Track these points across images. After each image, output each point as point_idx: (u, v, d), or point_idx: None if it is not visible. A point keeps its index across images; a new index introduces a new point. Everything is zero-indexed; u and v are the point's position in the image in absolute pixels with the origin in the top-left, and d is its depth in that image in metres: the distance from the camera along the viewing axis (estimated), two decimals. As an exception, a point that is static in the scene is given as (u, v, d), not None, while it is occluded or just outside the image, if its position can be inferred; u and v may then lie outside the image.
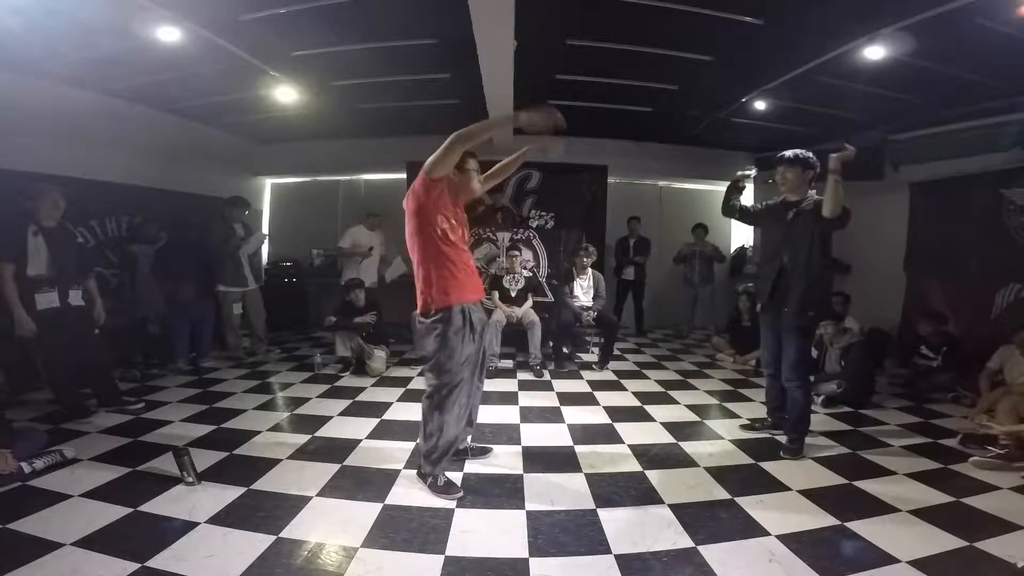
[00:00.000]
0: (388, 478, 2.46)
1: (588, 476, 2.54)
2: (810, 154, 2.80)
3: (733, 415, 3.53)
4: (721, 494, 2.37)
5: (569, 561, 1.85)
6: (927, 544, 1.95)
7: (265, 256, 6.93)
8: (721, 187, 8.40)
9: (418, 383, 4.18)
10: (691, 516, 2.16)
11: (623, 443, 2.98)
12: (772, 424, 3.16)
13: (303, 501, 2.23)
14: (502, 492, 2.35)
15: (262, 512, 2.12)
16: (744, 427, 3.26)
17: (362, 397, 3.81)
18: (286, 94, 4.53)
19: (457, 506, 2.22)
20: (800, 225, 2.76)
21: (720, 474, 2.58)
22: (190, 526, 2.00)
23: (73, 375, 3.27)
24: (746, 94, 4.53)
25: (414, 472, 2.49)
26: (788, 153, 2.82)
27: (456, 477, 2.48)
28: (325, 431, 3.10)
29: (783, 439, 2.94)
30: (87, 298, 3.37)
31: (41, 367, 3.25)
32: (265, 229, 6.75)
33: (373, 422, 3.26)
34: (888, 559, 1.85)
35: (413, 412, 3.44)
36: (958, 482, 2.51)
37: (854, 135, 5.44)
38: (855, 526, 2.08)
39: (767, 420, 3.19)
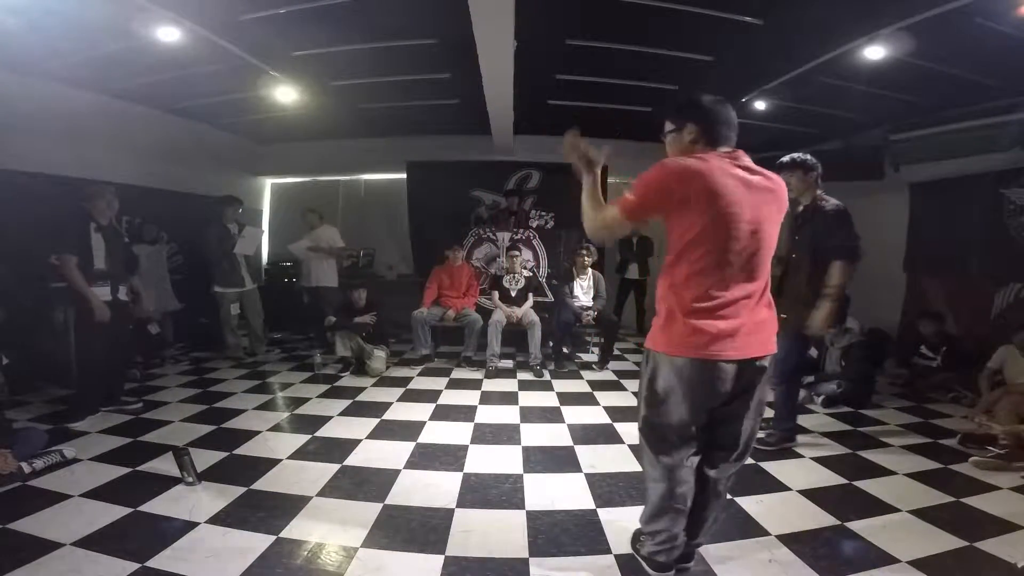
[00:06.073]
0: (388, 478, 2.46)
1: (588, 476, 2.54)
2: (807, 156, 2.76)
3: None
4: (721, 494, 2.37)
5: (569, 561, 1.85)
6: (927, 544, 1.95)
7: (265, 256, 6.93)
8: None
9: (418, 383, 4.19)
10: (691, 516, 2.16)
11: (623, 443, 2.98)
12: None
13: (303, 501, 2.23)
14: (502, 492, 2.35)
15: (262, 512, 2.12)
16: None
17: (362, 397, 3.81)
18: (286, 94, 4.52)
19: (457, 506, 2.22)
20: (804, 230, 2.74)
21: (720, 474, 2.57)
22: (190, 526, 2.00)
23: (104, 369, 3.33)
24: (746, 94, 4.52)
25: (415, 471, 2.52)
26: (785, 159, 2.77)
27: (456, 477, 2.49)
28: (325, 431, 3.10)
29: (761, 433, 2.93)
30: (131, 296, 3.54)
31: (76, 358, 3.38)
32: (265, 229, 6.74)
33: (373, 422, 3.26)
34: (888, 559, 1.85)
35: (413, 412, 3.45)
36: (958, 482, 2.50)
37: (854, 135, 5.46)
38: (855, 526, 2.08)
39: None
